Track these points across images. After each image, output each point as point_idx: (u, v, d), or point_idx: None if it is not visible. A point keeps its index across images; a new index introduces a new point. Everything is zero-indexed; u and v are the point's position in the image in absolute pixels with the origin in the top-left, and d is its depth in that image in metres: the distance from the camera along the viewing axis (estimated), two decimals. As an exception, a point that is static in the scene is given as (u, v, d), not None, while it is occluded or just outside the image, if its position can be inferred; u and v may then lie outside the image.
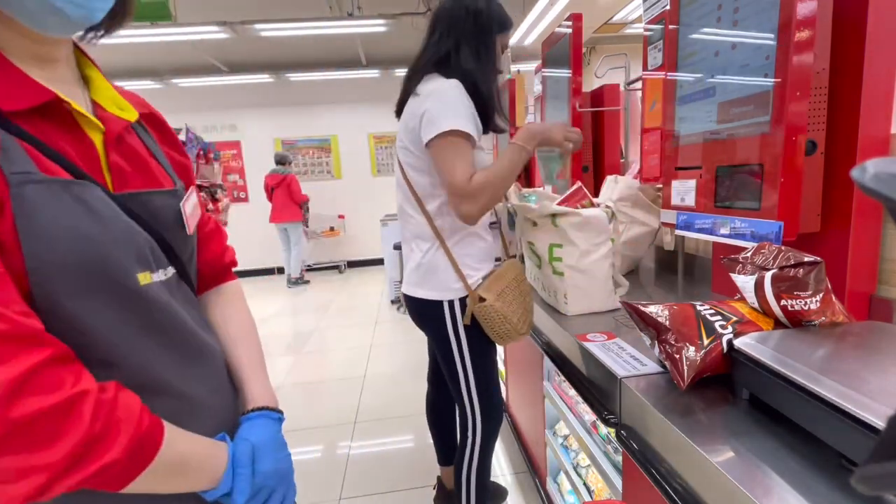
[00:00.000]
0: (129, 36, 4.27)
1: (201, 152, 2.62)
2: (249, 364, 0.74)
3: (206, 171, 2.67)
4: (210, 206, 2.67)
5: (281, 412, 0.74)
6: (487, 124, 1.25)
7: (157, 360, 0.57)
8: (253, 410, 0.70)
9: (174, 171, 0.67)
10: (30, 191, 0.46)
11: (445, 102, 1.12)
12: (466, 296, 1.24)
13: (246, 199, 7.19)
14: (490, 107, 1.22)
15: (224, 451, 0.62)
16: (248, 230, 7.06)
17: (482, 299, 1.21)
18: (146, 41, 4.58)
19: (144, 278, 0.55)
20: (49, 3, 0.46)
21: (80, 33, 0.56)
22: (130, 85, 6.14)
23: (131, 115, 0.61)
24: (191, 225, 0.65)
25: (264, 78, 6.46)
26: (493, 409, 1.38)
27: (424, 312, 1.30)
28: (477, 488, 1.42)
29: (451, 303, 1.25)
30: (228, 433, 0.66)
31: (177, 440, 0.55)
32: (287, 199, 5.92)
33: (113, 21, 0.57)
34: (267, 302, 5.58)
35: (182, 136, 2.38)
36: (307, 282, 6.46)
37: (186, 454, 0.56)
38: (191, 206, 0.66)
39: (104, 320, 0.52)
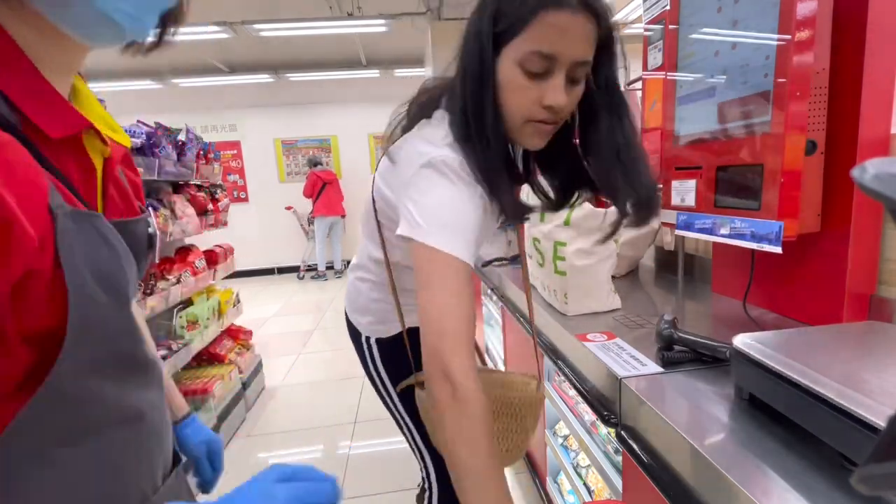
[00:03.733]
0: (129, 36, 4.27)
1: (201, 152, 2.61)
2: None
3: (206, 171, 2.67)
4: (210, 206, 2.67)
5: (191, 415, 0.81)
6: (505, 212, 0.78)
7: (137, 386, 0.53)
8: (184, 418, 0.77)
9: (133, 194, 0.62)
10: (63, 223, 0.41)
11: (441, 194, 0.72)
12: (387, 337, 1.02)
13: (246, 199, 7.19)
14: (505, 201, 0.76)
15: None
16: (248, 230, 7.06)
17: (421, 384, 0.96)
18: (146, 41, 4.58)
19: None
20: (107, 15, 0.42)
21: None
22: (130, 85, 6.15)
23: (125, 138, 0.56)
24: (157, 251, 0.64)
25: (264, 78, 6.46)
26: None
27: (350, 332, 1.11)
28: None
29: (367, 340, 1.06)
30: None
31: None
32: (338, 194, 6.40)
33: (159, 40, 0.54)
34: (267, 302, 5.59)
35: (182, 136, 2.38)
36: (325, 277, 6.84)
37: None
38: (154, 229, 0.63)
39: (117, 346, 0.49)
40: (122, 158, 0.55)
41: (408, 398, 1.05)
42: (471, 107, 0.73)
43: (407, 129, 0.85)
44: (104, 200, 0.53)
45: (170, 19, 0.53)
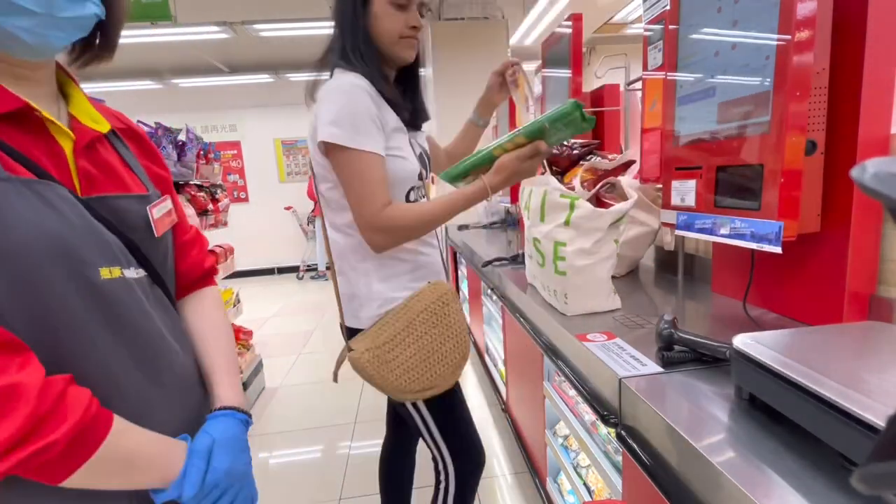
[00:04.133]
0: (129, 36, 4.27)
1: (201, 152, 2.61)
2: (220, 366, 0.76)
3: (206, 171, 2.67)
4: (210, 206, 2.67)
5: (248, 415, 0.75)
6: (407, 120, 1.08)
7: (116, 357, 0.59)
8: (219, 409, 0.71)
9: (150, 181, 0.72)
10: None
11: (339, 107, 0.95)
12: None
13: (246, 199, 7.19)
14: (387, 97, 1.02)
15: (181, 450, 0.62)
16: (248, 230, 7.06)
17: (350, 349, 1.05)
18: (146, 41, 4.58)
19: (108, 272, 0.58)
20: (7, 30, 0.51)
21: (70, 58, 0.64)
22: (130, 85, 6.15)
23: (103, 126, 0.66)
24: (159, 228, 0.69)
25: (264, 78, 6.45)
26: (470, 448, 1.19)
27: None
28: None
29: None
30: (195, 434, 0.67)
31: (126, 434, 0.56)
32: None
33: (90, 55, 0.65)
34: (267, 302, 5.59)
35: (182, 136, 2.38)
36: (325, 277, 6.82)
37: (135, 449, 0.57)
38: (160, 210, 0.69)
39: (65, 311, 0.54)
40: (94, 142, 0.64)
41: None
42: (348, 36, 1.00)
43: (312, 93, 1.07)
44: (79, 177, 0.60)
45: (107, 30, 0.64)
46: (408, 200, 1.08)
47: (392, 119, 1.04)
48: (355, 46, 1.00)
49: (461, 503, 1.21)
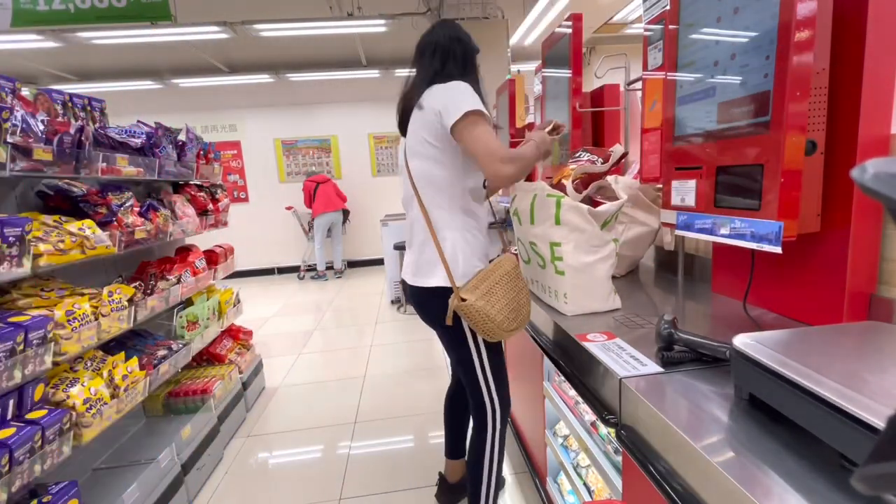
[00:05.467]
0: (129, 36, 4.27)
1: (201, 152, 2.61)
2: None
3: (206, 171, 2.67)
4: (210, 206, 2.67)
5: None
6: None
7: None
8: None
9: None
10: None
11: (460, 92, 1.25)
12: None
13: (246, 199, 7.19)
14: (485, 105, 1.31)
15: None
16: (248, 230, 7.06)
17: (463, 299, 1.24)
18: (146, 41, 4.58)
19: None
20: None
21: None
22: (130, 85, 6.15)
23: None
24: None
25: (264, 78, 6.45)
26: (507, 399, 1.46)
27: (430, 301, 1.35)
28: (497, 478, 1.48)
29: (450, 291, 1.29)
30: None
31: None
32: (334, 190, 6.41)
33: None
34: (267, 302, 5.59)
35: (182, 136, 2.38)
36: (326, 277, 6.82)
37: None
38: None
39: None
40: None
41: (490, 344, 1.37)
42: (460, 65, 1.37)
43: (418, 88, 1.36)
44: None
45: None
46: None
47: None
48: (465, 70, 1.37)
49: (502, 445, 1.48)
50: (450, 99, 1.25)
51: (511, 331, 1.29)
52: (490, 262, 1.36)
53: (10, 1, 3.53)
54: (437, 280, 1.32)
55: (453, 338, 1.37)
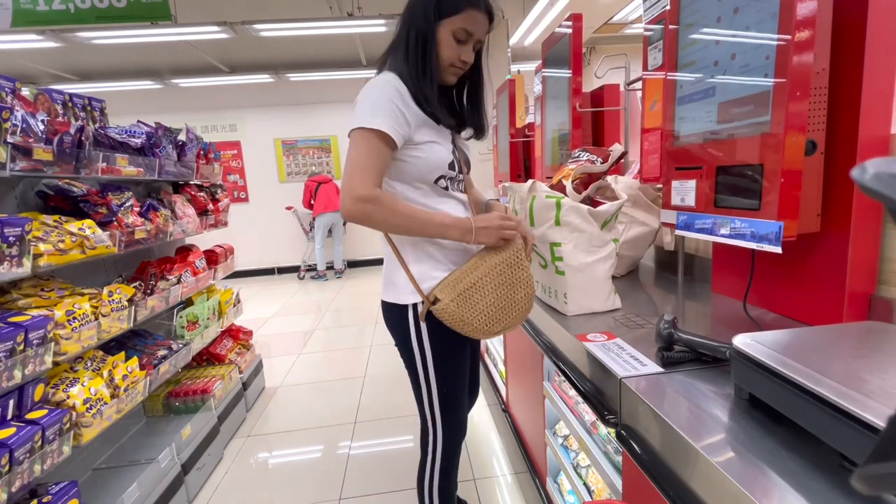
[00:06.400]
0: (129, 36, 4.27)
1: (201, 152, 2.61)
2: None
3: (206, 171, 2.67)
4: (210, 206, 2.67)
5: None
6: (439, 120, 1.17)
7: None
8: None
9: None
10: None
11: (364, 98, 1.07)
12: (421, 301, 1.17)
13: (246, 199, 7.19)
14: (425, 103, 1.11)
15: None
16: (248, 230, 7.06)
17: (436, 300, 1.14)
18: (146, 41, 4.58)
19: None
20: None
21: None
22: (130, 85, 6.15)
23: None
24: None
25: (264, 78, 6.45)
26: (459, 424, 1.30)
27: (388, 317, 1.26)
28: None
29: (414, 306, 1.19)
30: None
31: None
32: (335, 190, 6.39)
33: None
34: (267, 302, 5.58)
35: (182, 136, 2.38)
36: (326, 277, 6.82)
37: None
38: None
39: None
40: None
41: (436, 354, 1.21)
42: (418, 53, 1.11)
43: None
44: None
45: None
46: (436, 184, 1.18)
47: (422, 113, 1.13)
48: (416, 59, 1.12)
49: (447, 474, 1.33)
50: (356, 106, 1.09)
51: (497, 332, 1.18)
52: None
53: (10, 1, 3.53)
54: (391, 295, 1.22)
55: (404, 357, 1.26)
